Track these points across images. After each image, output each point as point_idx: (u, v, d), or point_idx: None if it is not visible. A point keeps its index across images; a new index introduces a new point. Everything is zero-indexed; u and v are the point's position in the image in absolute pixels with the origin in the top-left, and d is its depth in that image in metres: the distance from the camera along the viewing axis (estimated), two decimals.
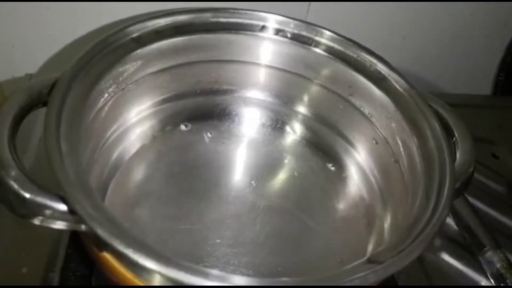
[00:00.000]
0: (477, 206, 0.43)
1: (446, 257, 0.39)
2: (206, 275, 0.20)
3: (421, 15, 0.55)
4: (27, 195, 0.22)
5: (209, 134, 0.39)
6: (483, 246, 0.38)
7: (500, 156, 0.50)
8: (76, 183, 0.22)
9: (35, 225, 0.24)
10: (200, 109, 0.39)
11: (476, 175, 0.45)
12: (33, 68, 0.49)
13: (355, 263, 0.23)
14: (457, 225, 0.41)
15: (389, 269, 0.21)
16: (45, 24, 0.46)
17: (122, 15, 0.45)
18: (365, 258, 0.23)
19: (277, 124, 0.41)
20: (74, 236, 0.33)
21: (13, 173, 0.22)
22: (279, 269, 0.32)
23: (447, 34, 0.58)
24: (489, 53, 0.62)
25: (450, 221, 0.41)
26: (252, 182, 0.37)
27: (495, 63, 0.63)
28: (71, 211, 0.22)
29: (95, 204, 0.21)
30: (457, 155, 0.31)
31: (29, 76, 0.47)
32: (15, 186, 0.22)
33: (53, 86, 0.26)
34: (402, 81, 0.34)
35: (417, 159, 0.30)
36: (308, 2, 0.49)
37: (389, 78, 0.34)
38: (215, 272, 0.20)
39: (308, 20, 0.49)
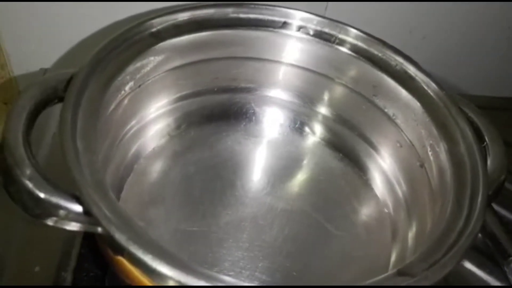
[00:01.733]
0: (502, 213, 0.42)
1: (468, 265, 0.38)
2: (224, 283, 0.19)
3: (442, 15, 0.53)
4: (42, 195, 0.22)
5: (226, 133, 0.38)
6: (508, 255, 0.36)
7: None
8: (93, 183, 0.21)
9: (47, 224, 0.23)
10: (218, 107, 0.38)
11: None
12: (47, 63, 0.48)
13: (384, 275, 0.22)
14: (480, 232, 0.39)
15: (423, 282, 0.20)
16: (60, 18, 0.46)
17: (140, 9, 0.44)
18: (395, 270, 0.22)
19: (296, 125, 0.40)
20: (88, 236, 0.32)
21: (28, 171, 0.22)
22: (294, 274, 0.31)
23: (468, 34, 0.57)
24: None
25: None
26: (270, 184, 0.36)
27: None
28: (87, 212, 0.21)
29: (111, 206, 0.21)
30: (488, 161, 0.29)
31: (44, 71, 0.47)
32: (30, 185, 0.21)
33: (69, 81, 0.25)
34: (430, 82, 0.32)
35: (447, 164, 0.28)
36: (325, 3, 0.48)
37: (417, 78, 0.33)
38: (232, 280, 0.19)
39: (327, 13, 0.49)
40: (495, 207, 0.41)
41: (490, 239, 0.38)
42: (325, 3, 0.48)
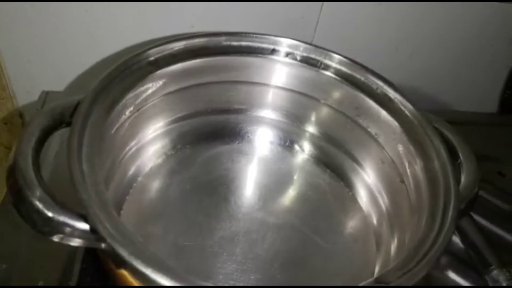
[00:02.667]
0: (483, 224, 0.43)
1: (452, 275, 0.39)
2: None
3: (427, 33, 0.56)
4: (50, 214, 0.24)
5: (219, 152, 0.41)
6: (489, 265, 0.38)
7: (506, 174, 0.50)
8: (97, 203, 0.23)
9: (51, 240, 0.25)
10: (211, 128, 0.40)
11: (482, 193, 0.45)
12: (47, 84, 0.50)
13: (363, 283, 0.24)
14: (462, 243, 0.41)
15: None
16: (61, 42, 0.48)
17: (139, 39, 0.47)
18: (373, 278, 0.24)
19: (286, 143, 0.42)
20: (89, 251, 0.34)
21: (37, 192, 0.24)
22: (285, 285, 0.33)
23: (453, 51, 0.59)
24: (495, 70, 0.63)
25: (456, 239, 0.41)
26: (261, 199, 0.38)
27: (501, 80, 0.64)
28: (93, 230, 0.23)
29: (115, 224, 0.23)
30: (462, 177, 0.31)
31: (45, 93, 0.48)
32: (39, 205, 0.23)
33: (75, 108, 0.28)
34: (407, 103, 0.35)
35: (423, 180, 0.30)
36: (316, 20, 0.50)
37: (395, 100, 0.35)
38: None
39: (316, 37, 0.52)
40: (478, 218, 0.43)
41: (472, 250, 0.40)
42: (315, 21, 0.50)
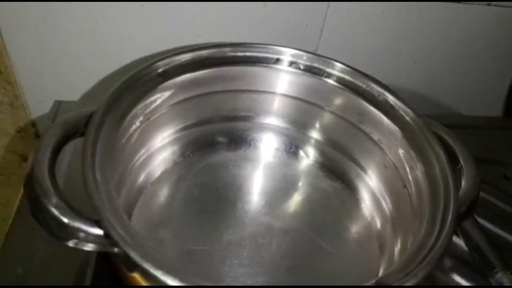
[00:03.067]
0: (487, 227, 0.43)
1: (457, 278, 0.39)
2: None
3: (432, 39, 0.56)
4: (66, 220, 0.25)
5: (226, 159, 0.42)
6: (493, 267, 0.38)
7: (511, 177, 0.51)
8: (110, 210, 0.25)
9: (65, 245, 0.26)
10: (219, 135, 0.42)
11: (486, 196, 0.46)
12: (59, 94, 0.51)
13: (364, 285, 0.24)
14: (467, 245, 0.41)
15: None
16: (72, 54, 0.49)
17: (147, 49, 0.48)
18: (373, 280, 0.25)
19: (292, 149, 0.43)
20: (101, 256, 0.35)
21: (53, 200, 0.25)
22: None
23: (457, 56, 0.59)
24: (500, 74, 0.63)
25: (460, 242, 0.41)
26: (268, 204, 0.39)
27: (505, 84, 0.64)
28: (106, 235, 0.24)
29: (127, 229, 0.24)
30: (463, 181, 0.32)
31: (58, 103, 0.50)
32: (56, 212, 0.25)
33: (89, 118, 0.29)
34: (408, 110, 0.35)
35: (423, 185, 0.31)
36: (320, 27, 0.51)
37: (396, 107, 0.36)
38: None
39: (321, 45, 0.53)
40: (482, 221, 0.44)
41: (476, 253, 0.40)
42: (320, 27, 0.51)
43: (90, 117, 0.29)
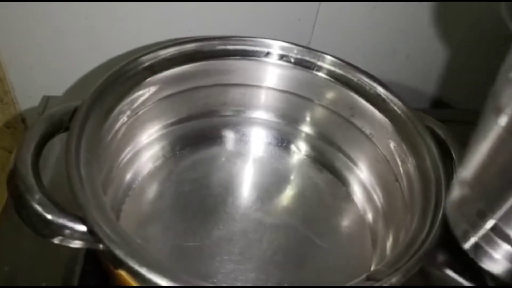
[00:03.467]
0: None
1: (452, 274, 0.39)
2: None
3: (423, 35, 0.56)
4: (50, 217, 0.24)
5: (217, 154, 0.41)
6: None
7: None
8: (95, 206, 0.24)
9: (52, 243, 0.25)
10: (209, 130, 0.41)
11: None
12: (49, 89, 0.50)
13: (355, 280, 0.24)
14: None
15: (386, 286, 0.23)
16: (61, 49, 0.49)
17: (137, 43, 0.48)
18: (364, 276, 0.24)
19: (283, 143, 0.43)
20: (90, 253, 0.35)
21: (37, 196, 0.24)
22: (285, 284, 0.33)
23: (450, 51, 0.59)
24: (493, 69, 0.63)
25: None
26: (259, 199, 0.39)
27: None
28: (90, 231, 0.23)
29: (111, 225, 0.23)
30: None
31: (46, 98, 0.49)
32: (39, 209, 0.24)
33: (73, 113, 0.28)
34: (400, 103, 0.35)
35: (415, 178, 0.31)
36: (312, 22, 0.51)
37: (388, 100, 0.36)
38: None
39: (313, 40, 0.52)
40: None
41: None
42: (311, 23, 0.51)
43: (74, 112, 0.28)
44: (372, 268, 0.34)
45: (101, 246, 0.24)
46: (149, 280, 0.21)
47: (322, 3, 0.49)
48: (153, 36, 0.47)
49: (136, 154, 0.37)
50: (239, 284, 0.33)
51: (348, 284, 0.24)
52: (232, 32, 0.48)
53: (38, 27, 0.46)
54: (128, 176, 0.36)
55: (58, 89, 0.51)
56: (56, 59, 0.50)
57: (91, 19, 0.46)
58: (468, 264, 0.39)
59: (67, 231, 0.25)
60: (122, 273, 0.25)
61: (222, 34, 0.38)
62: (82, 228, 0.24)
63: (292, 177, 0.41)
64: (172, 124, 0.39)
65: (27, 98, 0.53)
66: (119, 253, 0.22)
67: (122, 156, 0.35)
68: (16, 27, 0.46)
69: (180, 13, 0.47)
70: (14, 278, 0.34)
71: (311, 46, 0.49)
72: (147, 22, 0.47)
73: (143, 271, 0.21)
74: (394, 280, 0.23)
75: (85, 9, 0.45)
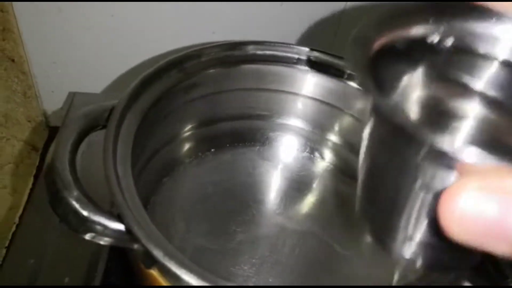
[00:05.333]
0: None
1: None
2: None
3: None
4: (86, 213, 0.25)
5: (242, 157, 0.41)
6: (505, 277, 0.36)
7: None
8: (132, 206, 0.24)
9: (78, 237, 0.26)
10: (236, 133, 0.41)
11: None
12: (71, 85, 0.51)
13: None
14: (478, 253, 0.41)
15: None
16: (86, 46, 0.49)
17: (161, 44, 0.48)
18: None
19: (308, 150, 0.43)
20: (113, 250, 0.35)
21: (74, 193, 0.25)
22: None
23: None
24: None
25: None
26: (282, 205, 0.39)
27: None
28: (128, 231, 0.24)
29: (148, 226, 0.24)
30: None
31: (72, 94, 0.50)
32: (76, 205, 0.25)
33: (110, 112, 0.29)
34: None
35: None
36: (337, 26, 0.51)
37: None
38: None
39: (336, 43, 0.52)
40: None
41: (488, 261, 0.40)
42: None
43: (111, 110, 0.29)
44: (395, 278, 0.34)
45: (135, 245, 0.24)
46: (186, 282, 0.22)
47: (347, 6, 0.49)
48: (177, 38, 0.48)
49: (165, 155, 0.37)
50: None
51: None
52: (253, 35, 0.48)
53: (64, 23, 0.46)
54: (155, 176, 0.37)
55: (81, 85, 0.51)
56: (80, 56, 0.50)
57: (117, 18, 0.47)
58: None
59: (100, 228, 0.25)
60: (154, 272, 0.25)
61: (245, 37, 0.38)
62: (119, 226, 0.24)
63: (315, 185, 0.41)
64: (199, 126, 0.39)
65: (49, 93, 0.54)
66: (157, 253, 0.22)
67: (152, 155, 0.35)
68: (43, 21, 0.46)
69: (204, 16, 0.47)
70: (38, 271, 0.34)
71: (333, 50, 0.50)
72: (171, 23, 0.47)
73: (181, 272, 0.22)
74: None
75: (112, 7, 0.46)
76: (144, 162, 0.34)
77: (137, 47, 0.49)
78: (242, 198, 0.38)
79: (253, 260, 0.34)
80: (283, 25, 0.49)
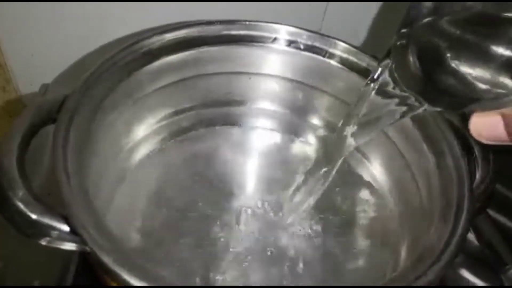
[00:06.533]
0: (500, 221, 0.41)
1: (466, 274, 0.38)
2: None
3: None
4: (33, 216, 0.22)
5: (220, 144, 0.39)
6: (505, 264, 0.36)
7: None
8: (82, 204, 0.22)
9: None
10: (211, 120, 0.39)
11: (501, 188, 0.43)
12: (50, 77, 0.49)
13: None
14: (478, 240, 0.39)
15: None
16: (62, 35, 0.47)
17: (136, 28, 0.45)
18: (380, 284, 0.22)
19: (289, 134, 0.40)
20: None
21: (20, 193, 0.23)
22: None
23: None
24: None
25: (471, 236, 0.39)
26: (264, 191, 0.36)
27: None
28: (74, 232, 0.21)
29: (99, 227, 0.21)
30: (477, 173, 0.29)
31: (45, 86, 0.48)
32: (21, 206, 0.22)
33: (62, 103, 0.26)
34: None
35: (434, 178, 0.28)
36: (324, 7, 0.48)
37: None
38: None
39: (324, 25, 0.49)
40: (494, 215, 0.41)
41: (488, 248, 0.38)
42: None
43: (63, 101, 0.26)
44: (387, 274, 0.32)
45: (88, 248, 0.22)
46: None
47: None
48: (156, 20, 0.45)
49: (134, 145, 0.34)
50: (239, 283, 0.31)
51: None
52: (237, 17, 0.45)
53: (40, 14, 0.44)
54: (124, 169, 0.34)
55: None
56: (57, 46, 0.48)
57: (90, 4, 0.44)
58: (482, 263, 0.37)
59: (54, 232, 0.23)
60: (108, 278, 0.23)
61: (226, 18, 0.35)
62: (67, 228, 0.22)
63: (298, 170, 0.38)
64: (172, 115, 0.37)
65: (28, 86, 0.52)
66: (106, 259, 0.20)
67: (118, 149, 0.33)
68: (16, 14, 0.44)
69: None
70: (6, 275, 0.33)
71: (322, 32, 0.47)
72: (149, 6, 0.45)
73: (133, 280, 0.19)
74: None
75: None
76: (110, 155, 0.31)
77: (114, 33, 0.46)
78: (222, 187, 0.36)
79: (235, 256, 0.32)
80: (267, 7, 0.46)
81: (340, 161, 0.30)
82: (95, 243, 0.20)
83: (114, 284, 0.23)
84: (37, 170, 0.36)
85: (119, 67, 0.30)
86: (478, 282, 0.37)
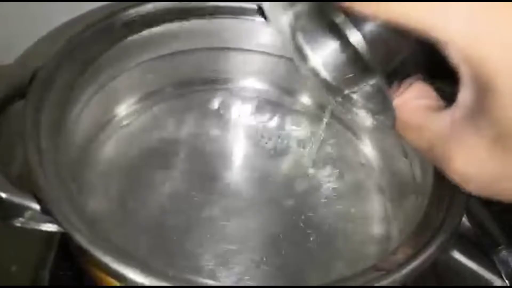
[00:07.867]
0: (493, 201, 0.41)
1: (457, 255, 0.37)
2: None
3: None
4: (3, 195, 0.21)
5: (206, 125, 0.37)
6: (497, 245, 0.36)
7: None
8: (55, 184, 0.21)
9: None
10: (196, 99, 0.37)
11: None
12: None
13: (360, 269, 0.21)
14: (469, 221, 0.39)
15: (397, 278, 0.20)
16: (29, 7, 0.43)
17: None
18: (371, 265, 0.21)
19: (278, 114, 0.39)
20: (65, 235, 0.32)
21: None
22: (278, 272, 0.31)
23: None
24: None
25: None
26: (250, 174, 0.35)
27: None
28: (45, 211, 0.20)
29: (72, 206, 0.20)
30: None
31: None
32: None
33: (33, 76, 0.25)
34: None
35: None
36: None
37: None
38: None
39: None
40: None
41: (479, 229, 0.38)
42: None
43: (34, 75, 0.25)
44: (377, 254, 0.31)
45: (62, 228, 0.20)
46: (115, 271, 0.18)
47: None
48: None
49: (112, 127, 0.33)
50: (229, 266, 0.30)
51: (351, 274, 0.21)
52: None
53: None
54: (105, 151, 0.33)
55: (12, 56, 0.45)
56: (24, 20, 0.44)
57: None
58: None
59: (27, 212, 0.22)
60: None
61: None
62: (38, 207, 0.21)
63: (288, 151, 0.37)
64: (153, 94, 0.35)
65: None
66: (80, 238, 0.18)
67: (97, 127, 0.31)
68: None
69: None
70: None
71: None
72: None
73: (108, 260, 0.18)
74: (405, 272, 0.20)
75: None
76: (86, 134, 0.30)
77: (82, 5, 0.43)
78: (207, 170, 0.35)
79: (221, 236, 0.31)
80: None
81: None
82: (67, 221, 0.19)
83: (92, 267, 0.22)
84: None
85: (96, 39, 0.28)
86: (469, 263, 0.37)
